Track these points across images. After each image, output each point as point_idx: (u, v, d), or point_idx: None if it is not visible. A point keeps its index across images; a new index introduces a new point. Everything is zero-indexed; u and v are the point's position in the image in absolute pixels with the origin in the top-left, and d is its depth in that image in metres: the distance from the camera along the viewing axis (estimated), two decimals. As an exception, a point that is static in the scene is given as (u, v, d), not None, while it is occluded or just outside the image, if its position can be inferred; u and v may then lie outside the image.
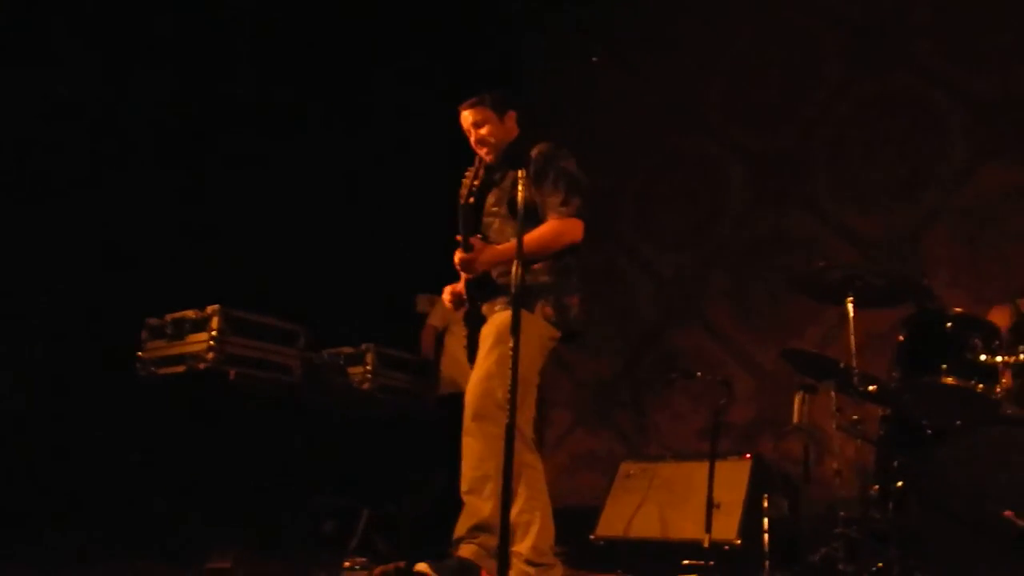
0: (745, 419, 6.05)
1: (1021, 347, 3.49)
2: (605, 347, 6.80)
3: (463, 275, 3.54)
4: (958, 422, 3.45)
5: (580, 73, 7.11)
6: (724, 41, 6.86)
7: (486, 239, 3.63)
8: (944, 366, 3.60)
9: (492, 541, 3.16)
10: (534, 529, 3.34)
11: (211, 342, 4.42)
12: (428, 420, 5.34)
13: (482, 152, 3.67)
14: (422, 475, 5.10)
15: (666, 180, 6.96)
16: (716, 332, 6.49)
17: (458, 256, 3.44)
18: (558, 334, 3.46)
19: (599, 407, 6.86)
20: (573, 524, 5.27)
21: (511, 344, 2.71)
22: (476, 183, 3.35)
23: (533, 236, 3.35)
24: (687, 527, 4.80)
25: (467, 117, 3.69)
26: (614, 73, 7.11)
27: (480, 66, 6.53)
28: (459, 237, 3.42)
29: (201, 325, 4.52)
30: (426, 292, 5.97)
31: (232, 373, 4.42)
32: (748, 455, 5.08)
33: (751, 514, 4.73)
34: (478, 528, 3.25)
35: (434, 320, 5.82)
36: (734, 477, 4.93)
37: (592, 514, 5.34)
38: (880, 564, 3.91)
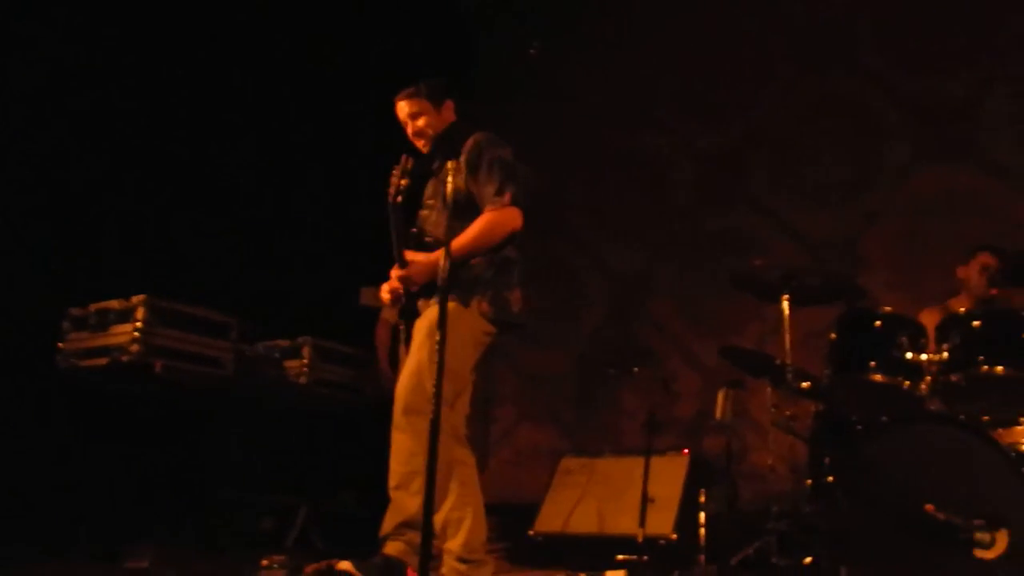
0: (689, 415, 6.10)
1: (945, 345, 3.55)
2: (552, 342, 6.81)
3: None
4: (884, 418, 3.50)
5: (530, 68, 7.08)
6: (675, 39, 6.89)
7: (422, 232, 3.58)
8: (873, 363, 3.67)
9: (419, 538, 3.13)
10: (466, 526, 3.32)
11: (136, 333, 4.27)
12: (368, 414, 5.29)
13: (419, 144, 3.63)
14: (361, 470, 5.06)
15: (616, 176, 6.99)
16: (662, 328, 6.53)
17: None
18: (494, 329, 3.41)
19: (545, 402, 6.87)
20: (516, 520, 5.31)
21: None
22: (403, 182, 3.29)
23: (470, 232, 3.31)
24: (623, 522, 4.81)
25: (403, 108, 3.63)
26: (565, 68, 7.10)
27: (427, 59, 6.48)
28: (393, 234, 3.37)
29: (126, 316, 4.37)
30: (370, 285, 5.91)
31: (158, 365, 4.27)
32: (686, 451, 5.11)
33: (688, 509, 4.76)
34: (405, 525, 3.21)
35: (388, 315, 5.77)
36: (672, 472, 4.95)
37: (534, 510, 5.34)
38: (810, 558, 3.99)
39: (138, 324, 4.30)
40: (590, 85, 7.22)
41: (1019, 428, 3.64)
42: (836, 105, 6.12)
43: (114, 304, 4.44)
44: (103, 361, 4.36)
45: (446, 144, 3.51)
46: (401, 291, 3.50)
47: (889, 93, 5.94)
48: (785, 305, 4.26)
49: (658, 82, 6.93)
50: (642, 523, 4.41)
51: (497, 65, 7.39)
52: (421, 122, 3.60)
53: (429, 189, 3.68)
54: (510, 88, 7.12)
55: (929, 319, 3.88)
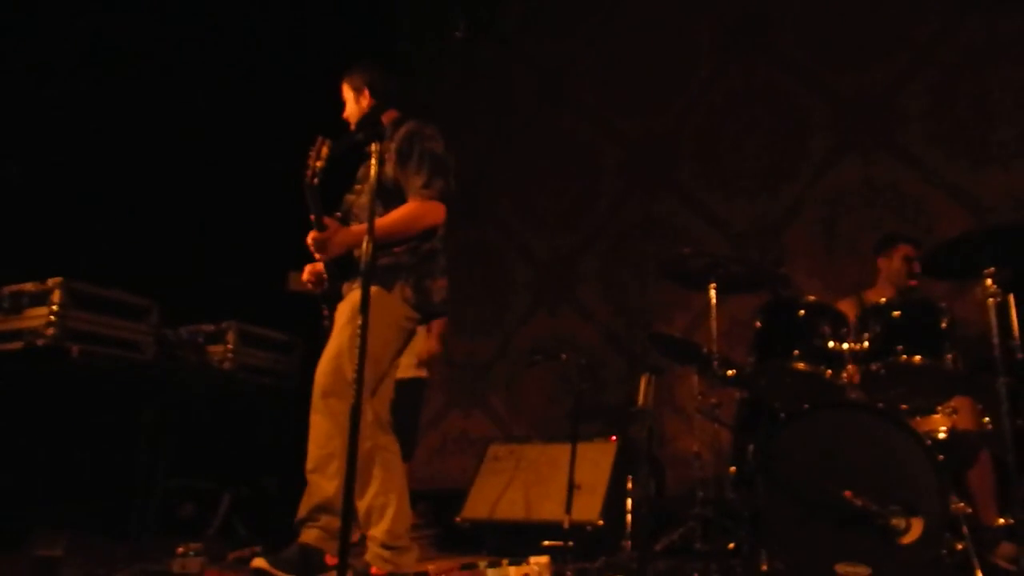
0: (615, 401, 6.14)
1: (866, 335, 3.62)
2: (480, 328, 6.80)
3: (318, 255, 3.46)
4: (806, 406, 3.55)
5: (458, 52, 7.05)
6: (602, 25, 6.92)
7: (348, 216, 3.57)
8: (796, 352, 3.70)
9: (336, 523, 3.09)
10: (390, 512, 3.28)
11: (51, 317, 4.20)
12: (292, 400, 5.21)
13: (352, 127, 3.64)
14: (284, 456, 4.98)
15: (543, 162, 6.99)
16: (588, 315, 6.56)
17: (311, 236, 3.36)
18: (416, 315, 3.41)
19: (473, 389, 6.86)
20: (443, 506, 5.29)
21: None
22: (319, 164, 3.26)
23: (391, 217, 3.32)
24: (550, 508, 4.83)
25: (343, 91, 3.70)
26: (493, 52, 7.09)
27: (352, 41, 6.39)
28: (312, 217, 3.33)
29: (41, 299, 4.28)
30: (297, 269, 5.82)
31: (75, 350, 4.20)
32: (613, 437, 5.14)
33: (614, 495, 4.79)
34: (320, 509, 3.18)
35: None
36: (599, 459, 4.98)
37: (462, 496, 5.33)
38: (732, 543, 4.05)
39: (54, 308, 4.22)
40: (517, 69, 7.21)
41: (935, 416, 3.75)
42: (759, 96, 6.21)
43: (29, 287, 4.35)
44: (17, 345, 4.27)
45: (368, 128, 3.48)
46: (324, 275, 3.48)
47: (811, 85, 6.03)
48: (712, 293, 4.29)
49: (585, 68, 6.95)
50: (568, 509, 4.41)
51: (422, 47, 7.33)
52: (347, 107, 3.66)
53: (360, 172, 3.66)
54: (434, 71, 7.08)
55: (845, 310, 3.95)
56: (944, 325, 3.49)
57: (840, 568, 3.13)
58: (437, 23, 7.20)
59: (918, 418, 3.71)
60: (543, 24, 7.20)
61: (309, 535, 3.18)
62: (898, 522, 3.07)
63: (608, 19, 6.90)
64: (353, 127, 3.60)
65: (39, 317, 4.23)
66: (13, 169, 4.81)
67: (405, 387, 4.83)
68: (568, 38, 7.05)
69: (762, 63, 6.25)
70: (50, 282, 4.30)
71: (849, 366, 3.67)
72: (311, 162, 3.28)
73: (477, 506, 5.19)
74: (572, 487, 4.49)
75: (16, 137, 4.89)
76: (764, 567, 3.46)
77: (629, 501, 4.65)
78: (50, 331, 4.18)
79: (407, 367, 4.87)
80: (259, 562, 3.10)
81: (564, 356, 5.14)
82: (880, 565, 3.09)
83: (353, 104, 3.64)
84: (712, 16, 6.49)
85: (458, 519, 5.17)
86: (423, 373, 5.11)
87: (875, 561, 3.10)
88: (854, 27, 5.90)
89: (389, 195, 3.38)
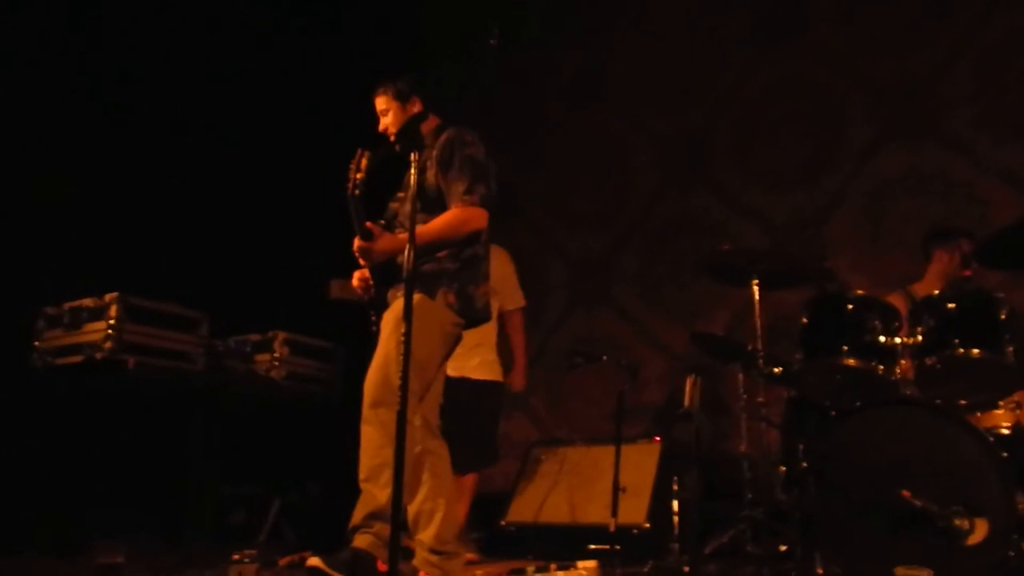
0: (657, 401, 6.09)
1: (919, 328, 3.54)
2: (517, 330, 6.75)
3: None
4: (857, 403, 3.47)
5: (488, 56, 7.01)
6: (632, 25, 6.87)
7: (391, 224, 3.57)
8: (845, 347, 3.62)
9: (388, 530, 3.09)
10: (438, 517, 3.29)
11: (109, 331, 4.36)
12: (339, 407, 5.25)
13: (392, 138, 3.63)
14: (331, 462, 5.01)
15: (576, 162, 6.95)
16: (626, 315, 6.51)
17: (356, 244, 3.37)
18: (462, 321, 3.40)
19: (513, 392, 6.81)
20: (487, 510, 5.26)
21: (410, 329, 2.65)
22: (359, 175, 3.27)
23: (434, 224, 3.32)
24: (595, 511, 4.80)
25: (377, 103, 3.68)
26: (522, 56, 7.05)
27: (385, 51, 6.43)
28: (358, 226, 3.35)
29: (99, 313, 4.45)
30: (338, 277, 5.85)
31: (131, 362, 4.35)
32: (657, 438, 5.09)
33: (660, 497, 4.75)
34: (374, 516, 3.18)
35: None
36: (643, 460, 4.94)
37: (505, 500, 5.31)
38: (784, 546, 3.98)
39: (111, 321, 4.39)
40: (547, 72, 7.17)
41: (997, 412, 3.64)
42: (794, 87, 6.12)
43: (87, 302, 4.53)
44: (77, 359, 4.45)
45: (409, 137, 3.49)
46: (371, 281, 3.48)
47: (847, 73, 5.94)
48: (755, 289, 4.23)
49: (615, 67, 6.89)
50: (614, 512, 4.37)
51: (453, 55, 7.31)
52: (388, 119, 3.65)
53: (404, 180, 3.66)
54: (465, 77, 7.05)
55: (894, 303, 3.86)
56: (1003, 316, 3.37)
57: (900, 571, 3.05)
58: (467, 31, 7.19)
59: (978, 414, 3.61)
60: (571, 26, 7.16)
61: (362, 541, 3.19)
62: (961, 523, 2.97)
63: (637, 18, 6.85)
64: (393, 137, 3.59)
65: (97, 331, 4.41)
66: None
67: (478, 390, 4.83)
68: (597, 39, 7.00)
69: (795, 53, 6.16)
70: (107, 297, 4.47)
71: (902, 361, 3.58)
72: (352, 174, 3.29)
73: (522, 509, 5.17)
74: (617, 489, 4.45)
75: (70, 159, 5.04)
76: (819, 571, 3.41)
77: (675, 503, 4.60)
78: (108, 344, 4.36)
79: (476, 368, 4.86)
80: (315, 561, 3.12)
81: (604, 357, 5.09)
82: (943, 568, 3.00)
83: (400, 112, 3.62)
84: (743, 8, 6.41)
85: (503, 523, 5.16)
86: (491, 375, 5.04)
87: (937, 564, 3.01)
88: (889, 13, 5.80)
89: (431, 202, 3.39)
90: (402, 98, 3.62)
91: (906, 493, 3.08)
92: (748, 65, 6.33)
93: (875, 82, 5.82)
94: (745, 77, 6.33)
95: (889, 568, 3.08)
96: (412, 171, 2.84)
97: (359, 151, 3.35)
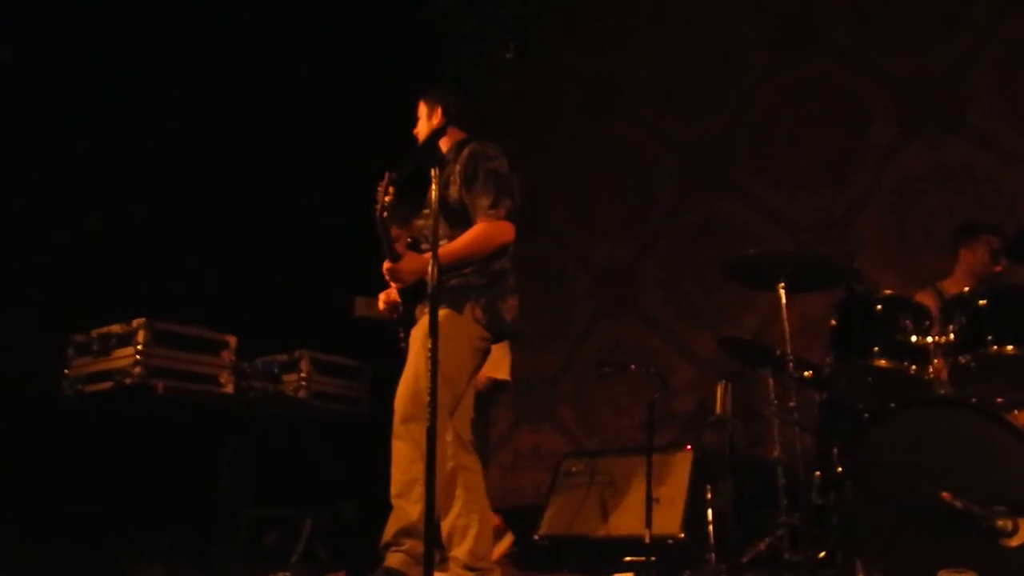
0: (687, 409, 6.04)
1: (951, 326, 3.48)
2: (544, 342, 6.74)
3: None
4: (892, 404, 3.42)
5: (508, 68, 7.03)
6: (648, 32, 6.85)
7: (419, 241, 3.56)
8: (876, 348, 3.59)
9: (420, 547, 3.07)
10: (472, 533, 3.28)
11: (137, 356, 4.39)
12: (367, 425, 5.25)
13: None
14: (361, 481, 5.01)
15: (597, 172, 6.94)
16: (653, 323, 6.48)
17: (386, 267, 3.37)
18: (489, 335, 3.39)
19: (541, 404, 6.80)
20: (520, 523, 5.24)
21: (439, 345, 2.67)
22: (387, 198, 3.26)
23: (461, 241, 3.32)
24: (629, 522, 4.76)
25: (419, 109, 3.73)
26: (541, 67, 7.06)
27: (408, 69, 6.45)
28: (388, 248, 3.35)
29: (127, 339, 4.49)
30: (361, 295, 5.86)
31: (160, 386, 4.38)
32: (688, 446, 5.04)
33: (694, 506, 4.70)
34: (405, 533, 3.17)
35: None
36: (676, 470, 4.89)
37: (537, 512, 5.28)
38: (824, 552, 3.92)
39: (139, 347, 4.43)
40: (565, 82, 7.17)
41: (1035, 409, 3.58)
42: (814, 87, 6.07)
43: (115, 328, 4.57)
44: (107, 385, 4.49)
45: (425, 154, 3.49)
46: (398, 301, 3.48)
47: (867, 72, 5.89)
48: (782, 292, 4.18)
49: (633, 75, 6.88)
50: (648, 523, 4.34)
51: (471, 68, 7.33)
52: (420, 125, 3.68)
53: (427, 197, 3.65)
54: (484, 90, 7.06)
55: (924, 302, 3.81)
56: (1036, 311, 3.32)
57: (944, 574, 3.00)
58: (485, 44, 7.23)
59: (1016, 412, 3.55)
60: (587, 36, 7.16)
61: (394, 559, 3.18)
62: (1004, 524, 2.91)
63: (653, 25, 6.84)
64: (420, 143, 3.60)
65: (126, 357, 4.44)
66: (96, 221, 4.99)
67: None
68: (614, 48, 7.00)
69: (814, 54, 6.12)
70: (135, 323, 4.51)
71: (935, 360, 3.53)
72: (380, 196, 3.28)
73: (555, 522, 5.14)
74: (651, 500, 4.41)
75: (97, 186, 5.11)
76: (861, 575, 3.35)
77: (709, 512, 4.55)
78: (137, 370, 4.39)
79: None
80: None
81: (633, 366, 5.06)
82: (986, 570, 2.93)
83: (425, 121, 3.65)
84: (760, 11, 6.39)
85: (536, 536, 5.13)
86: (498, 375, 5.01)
87: (981, 566, 2.94)
88: (907, 9, 5.75)
89: (456, 217, 3.39)
90: (431, 107, 3.65)
91: (947, 495, 3.02)
92: (767, 69, 6.29)
93: (895, 79, 5.77)
94: (764, 80, 6.30)
95: (932, 571, 3.01)
96: (433, 187, 2.84)
97: (387, 174, 3.33)
